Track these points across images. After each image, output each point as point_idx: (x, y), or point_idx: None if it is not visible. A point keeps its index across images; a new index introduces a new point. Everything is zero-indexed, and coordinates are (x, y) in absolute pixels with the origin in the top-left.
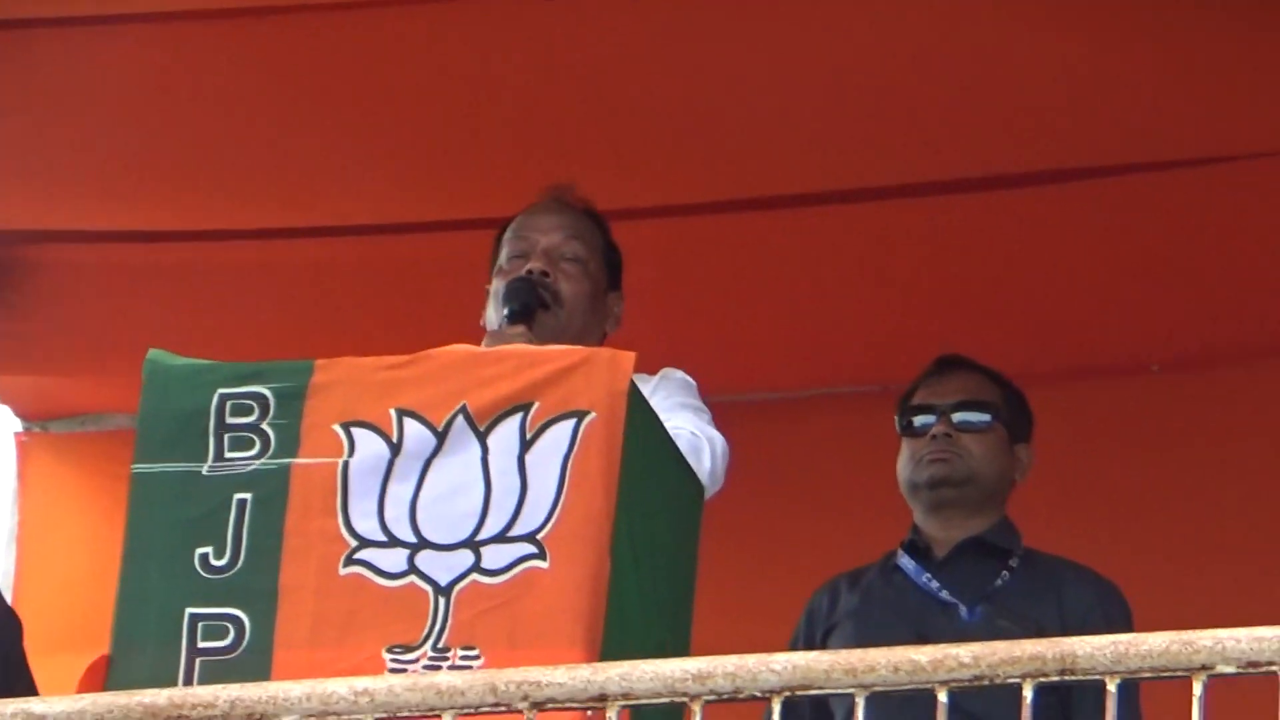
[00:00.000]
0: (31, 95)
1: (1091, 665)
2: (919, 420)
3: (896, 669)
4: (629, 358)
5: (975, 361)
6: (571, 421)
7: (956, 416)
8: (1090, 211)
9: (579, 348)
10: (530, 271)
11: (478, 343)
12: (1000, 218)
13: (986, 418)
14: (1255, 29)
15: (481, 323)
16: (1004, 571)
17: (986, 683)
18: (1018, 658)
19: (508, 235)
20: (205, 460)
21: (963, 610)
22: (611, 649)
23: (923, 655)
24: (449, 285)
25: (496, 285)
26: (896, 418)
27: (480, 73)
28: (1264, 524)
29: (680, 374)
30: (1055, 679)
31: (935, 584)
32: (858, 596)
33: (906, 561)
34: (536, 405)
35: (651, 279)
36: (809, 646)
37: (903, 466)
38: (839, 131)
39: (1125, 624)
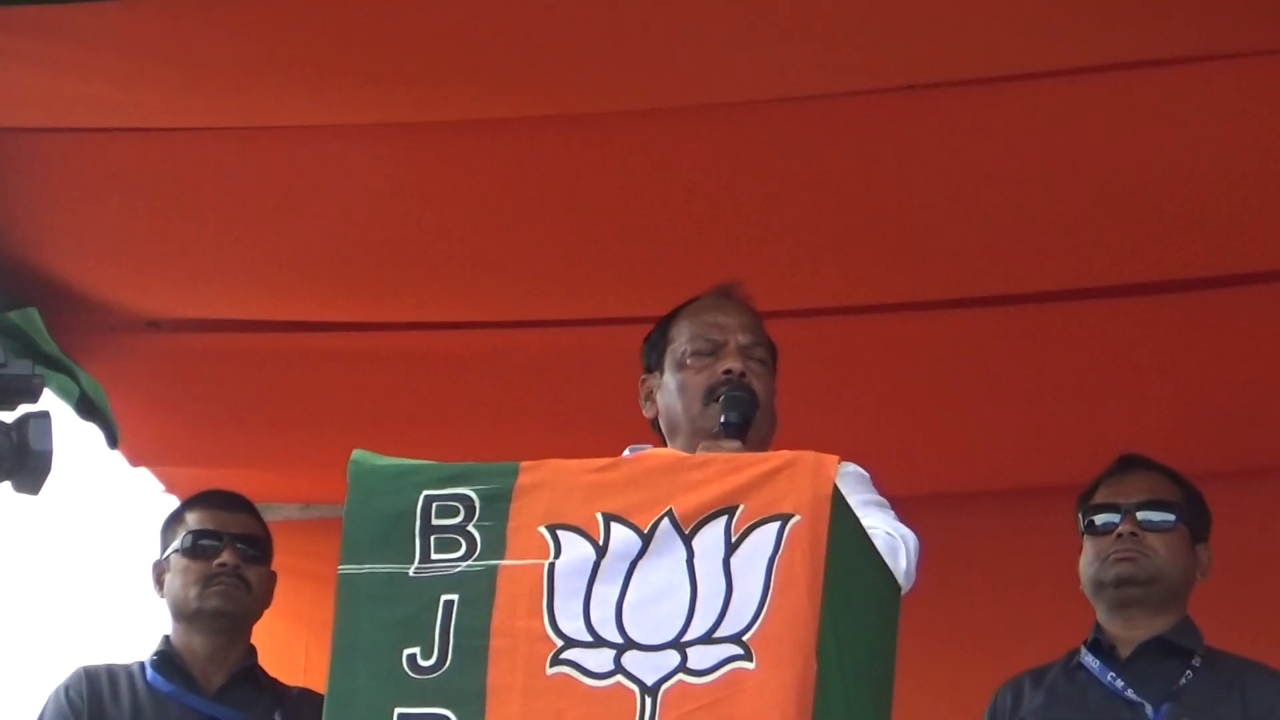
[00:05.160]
0: (211, 193)
1: None
2: (1102, 519)
3: None
4: (832, 461)
5: (1156, 461)
6: (776, 525)
7: (1141, 515)
8: (1254, 314)
9: (783, 452)
10: (729, 372)
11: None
12: (1165, 319)
13: (1171, 517)
14: None
15: (650, 415)
16: (1187, 671)
17: None
18: None
19: (685, 329)
20: (412, 562)
21: (1149, 710)
22: None
23: None
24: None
25: (684, 379)
26: (1078, 516)
27: (625, 182)
28: None
29: (855, 467)
30: None
31: (1121, 683)
32: (1042, 695)
33: (1091, 660)
34: (741, 509)
35: (829, 376)
36: None
37: (1086, 565)
38: (1014, 235)
39: None
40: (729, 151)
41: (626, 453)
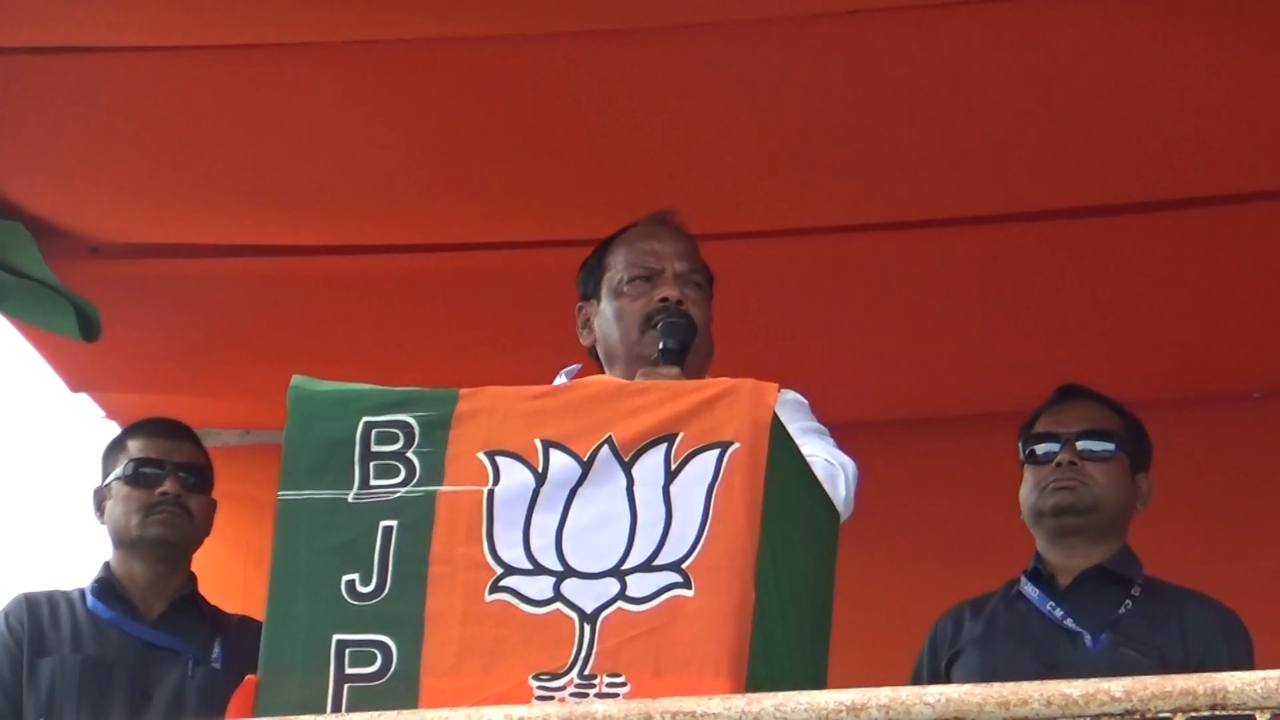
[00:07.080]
0: (154, 116)
1: (1242, 700)
2: (1042, 448)
3: (1049, 702)
4: (771, 389)
5: (1096, 391)
6: (715, 452)
7: (1080, 445)
8: (1196, 240)
9: (723, 379)
10: (666, 300)
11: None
12: (1108, 245)
13: (1110, 446)
14: None
15: (587, 343)
16: (1127, 600)
17: (1138, 717)
18: (1169, 692)
19: (622, 257)
20: (351, 488)
21: (1087, 638)
22: (756, 678)
23: (1074, 689)
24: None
25: (621, 306)
26: (1019, 445)
27: (579, 106)
28: None
29: (794, 394)
30: (1206, 714)
31: (1060, 612)
32: (981, 624)
33: (1031, 589)
34: (681, 436)
35: (767, 300)
36: (933, 673)
37: (1026, 494)
38: (956, 157)
39: (1246, 653)
40: (668, 74)
41: (562, 376)
